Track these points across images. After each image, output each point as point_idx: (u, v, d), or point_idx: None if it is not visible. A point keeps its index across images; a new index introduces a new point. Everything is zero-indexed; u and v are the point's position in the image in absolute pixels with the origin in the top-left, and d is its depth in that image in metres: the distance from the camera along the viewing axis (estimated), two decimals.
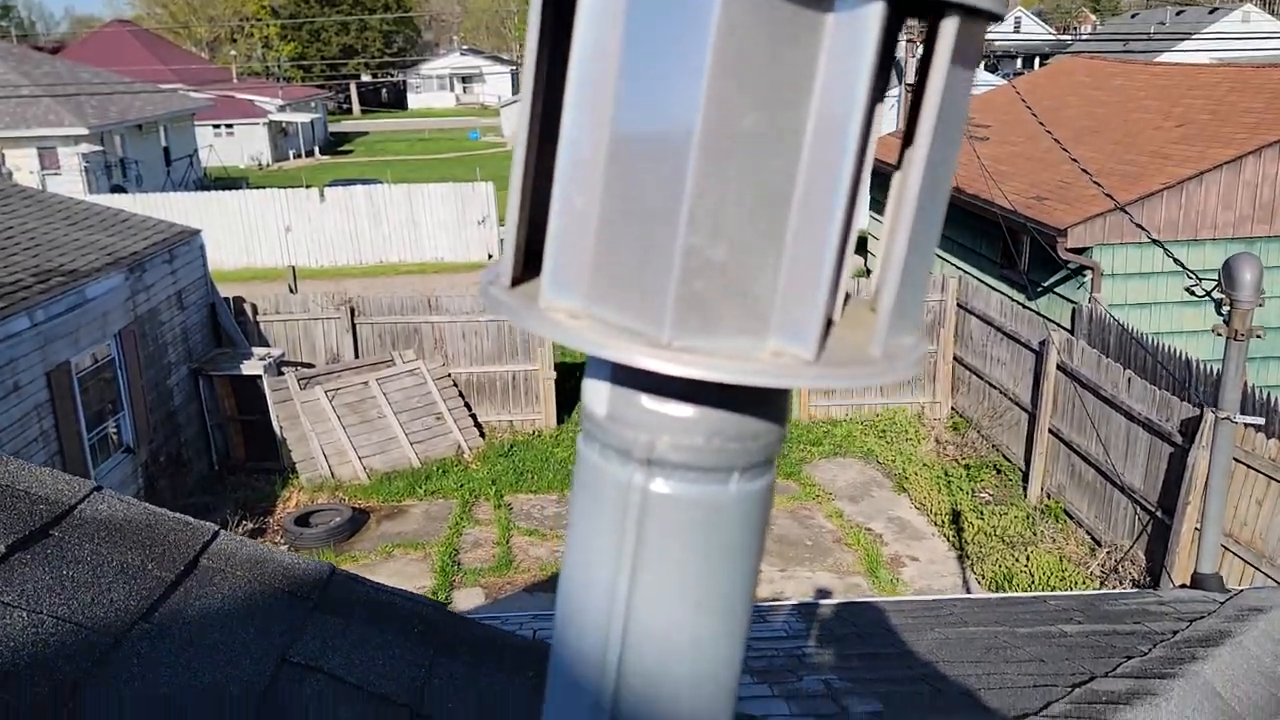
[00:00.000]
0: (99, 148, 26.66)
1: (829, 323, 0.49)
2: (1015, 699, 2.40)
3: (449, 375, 12.61)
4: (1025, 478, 11.04)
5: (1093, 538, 9.68)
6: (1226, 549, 7.28)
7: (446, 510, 11.17)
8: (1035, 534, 10.13)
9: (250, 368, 11.66)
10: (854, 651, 3.14)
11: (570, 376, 13.46)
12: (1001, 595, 5.13)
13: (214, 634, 1.28)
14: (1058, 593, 4.90)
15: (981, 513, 10.72)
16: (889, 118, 16.01)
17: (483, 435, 12.63)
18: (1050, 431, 10.46)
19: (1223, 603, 3.51)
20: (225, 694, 1.19)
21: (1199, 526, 7.04)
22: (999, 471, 11.60)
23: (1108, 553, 9.22)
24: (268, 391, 11.47)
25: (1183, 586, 4.49)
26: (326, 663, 1.33)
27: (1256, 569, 7.21)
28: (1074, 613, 3.47)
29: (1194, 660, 2.57)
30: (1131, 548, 8.86)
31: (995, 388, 11.80)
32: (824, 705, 2.46)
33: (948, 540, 10.56)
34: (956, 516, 10.82)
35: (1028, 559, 9.61)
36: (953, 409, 13.12)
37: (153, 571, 1.34)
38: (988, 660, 2.85)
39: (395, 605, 1.53)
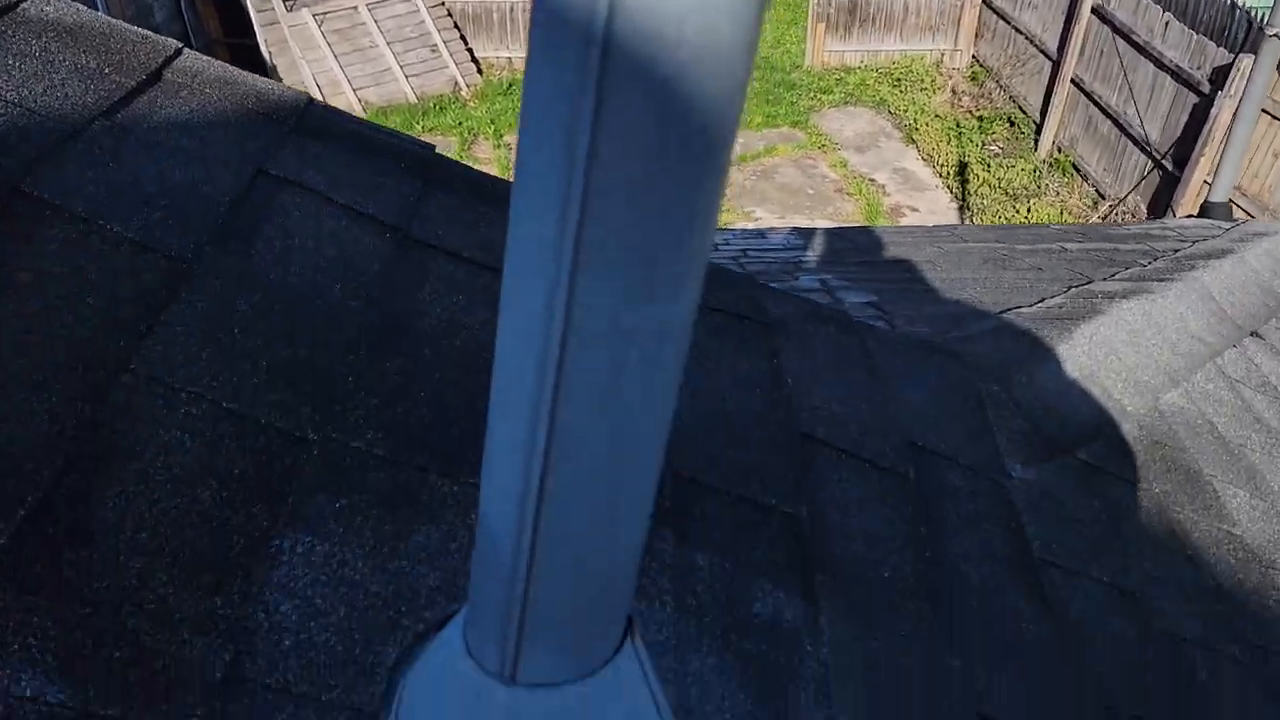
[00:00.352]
0: None
1: None
2: (1010, 297, 2.41)
3: (443, 3, 11.85)
4: (1038, 130, 10.75)
5: (1098, 192, 9.60)
6: (1233, 201, 7.20)
7: (445, 148, 10.96)
8: (1040, 187, 10.04)
9: None
10: (850, 261, 3.14)
11: None
12: (1002, 225, 5.13)
13: (182, 140, 1.20)
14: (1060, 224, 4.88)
15: (988, 165, 10.55)
16: None
17: (480, 72, 12.12)
18: (1072, 81, 10.03)
19: (1227, 229, 3.48)
20: (196, 191, 1.12)
21: (1209, 179, 6.92)
22: (1012, 124, 11.27)
23: (1110, 205, 9.17)
24: (252, 13, 10.82)
25: (1189, 216, 4.47)
26: (308, 180, 1.26)
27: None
28: (1076, 235, 3.45)
29: (1193, 269, 2.56)
30: (1129, 194, 8.80)
31: (1022, 33, 11.15)
32: (819, 298, 2.48)
33: (951, 192, 10.48)
34: (963, 169, 10.67)
35: (1028, 211, 9.60)
36: (973, 58, 12.50)
37: (111, 76, 1.23)
38: (985, 269, 2.85)
39: (381, 139, 1.44)
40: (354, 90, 11.11)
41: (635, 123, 0.54)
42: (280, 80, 11.02)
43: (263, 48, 10.95)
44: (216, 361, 0.99)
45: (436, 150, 1.51)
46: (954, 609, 1.22)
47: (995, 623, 1.24)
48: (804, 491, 1.24)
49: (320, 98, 11.05)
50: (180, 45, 1.37)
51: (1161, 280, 2.44)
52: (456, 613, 0.88)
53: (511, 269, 0.61)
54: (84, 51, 1.25)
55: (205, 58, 1.39)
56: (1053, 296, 2.34)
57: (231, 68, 1.40)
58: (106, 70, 1.24)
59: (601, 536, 0.70)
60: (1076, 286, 2.45)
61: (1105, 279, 2.57)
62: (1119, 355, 1.95)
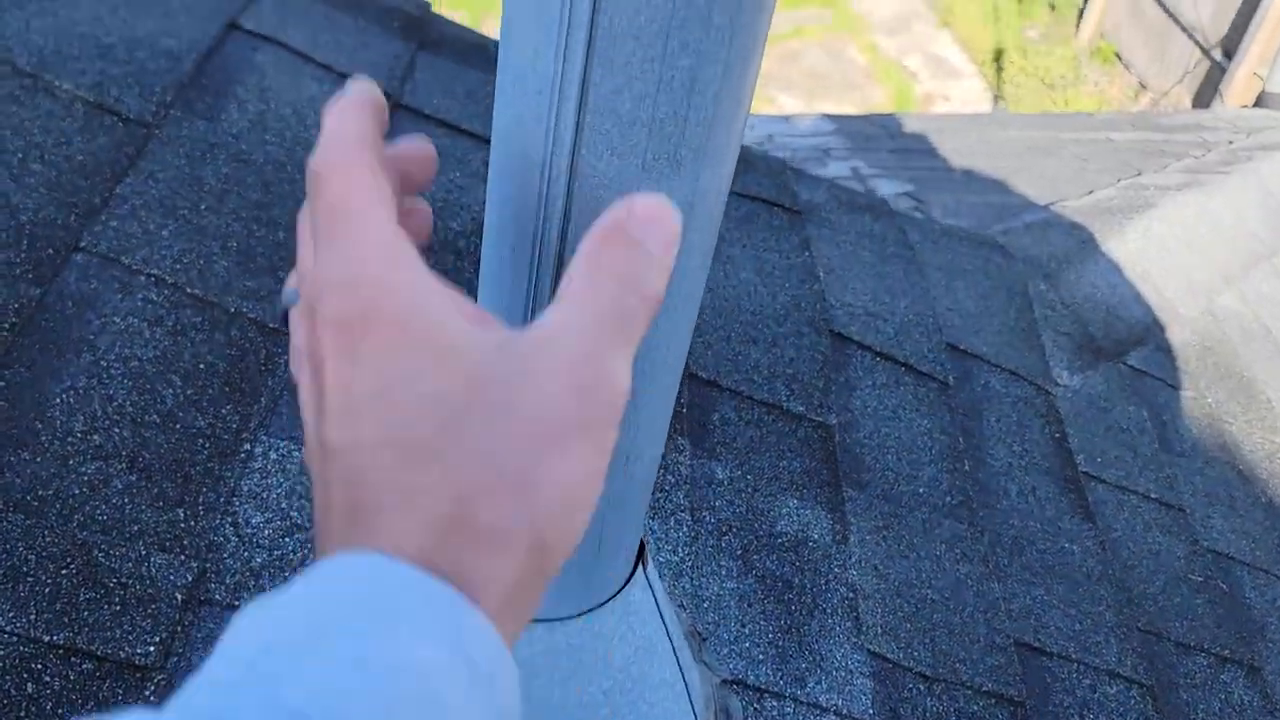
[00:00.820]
0: None
1: None
2: (1055, 190, 2.25)
3: None
4: (1080, 15, 10.25)
5: (1141, 83, 9.20)
6: None
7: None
8: (1079, 77, 9.63)
9: None
10: (883, 148, 2.97)
11: None
12: (1043, 113, 4.89)
13: None
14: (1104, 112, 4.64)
15: (1026, 52, 10.10)
16: None
17: None
18: None
19: None
20: (159, 45, 0.99)
21: (1260, 73, 6.57)
22: (1054, 9, 10.75)
23: (1152, 98, 8.80)
24: None
25: (1243, 107, 4.22)
26: (287, 38, 1.12)
27: None
28: (1123, 124, 3.25)
29: (1250, 161, 2.39)
30: (1174, 87, 8.43)
31: None
32: (853, 188, 2.32)
33: (985, 81, 10.08)
34: (999, 56, 10.23)
35: (1065, 103, 9.23)
36: None
37: None
38: (1028, 156, 2.68)
39: None
40: None
41: None
42: None
43: None
44: (180, 241, 0.88)
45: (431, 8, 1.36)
46: (993, 527, 1.12)
47: (1036, 541, 1.14)
48: (835, 397, 1.14)
49: None
50: None
51: (1216, 173, 2.28)
52: None
53: (503, 111, 0.48)
54: None
55: None
56: (1102, 188, 2.18)
57: None
58: None
59: None
60: (1126, 179, 2.29)
61: (1156, 170, 2.40)
62: (1172, 253, 1.81)
